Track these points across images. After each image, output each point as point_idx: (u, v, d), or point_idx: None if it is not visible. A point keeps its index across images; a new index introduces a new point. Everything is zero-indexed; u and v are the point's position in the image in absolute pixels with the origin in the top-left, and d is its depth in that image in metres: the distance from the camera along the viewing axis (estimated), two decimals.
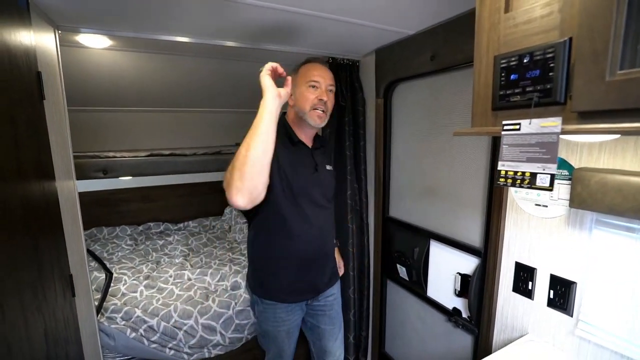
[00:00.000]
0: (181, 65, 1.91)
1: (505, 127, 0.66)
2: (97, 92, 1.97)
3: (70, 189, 1.30)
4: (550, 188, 0.59)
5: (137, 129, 2.41)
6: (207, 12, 1.20)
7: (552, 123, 0.57)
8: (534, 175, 0.61)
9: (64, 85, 1.28)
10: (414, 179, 1.65)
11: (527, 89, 0.64)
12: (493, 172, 1.20)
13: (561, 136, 0.60)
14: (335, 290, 1.43)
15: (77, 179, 1.59)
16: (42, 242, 0.97)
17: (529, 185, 0.62)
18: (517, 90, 0.66)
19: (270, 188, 1.05)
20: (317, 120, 1.20)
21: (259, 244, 1.24)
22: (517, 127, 0.64)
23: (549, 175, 0.59)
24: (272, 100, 1.02)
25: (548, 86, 0.60)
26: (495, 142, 1.18)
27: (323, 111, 1.20)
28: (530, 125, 0.62)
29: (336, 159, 1.86)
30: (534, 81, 0.63)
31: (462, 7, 1.20)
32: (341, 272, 1.56)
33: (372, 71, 1.78)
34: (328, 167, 1.33)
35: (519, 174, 0.64)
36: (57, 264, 1.07)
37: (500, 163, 0.67)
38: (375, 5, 1.17)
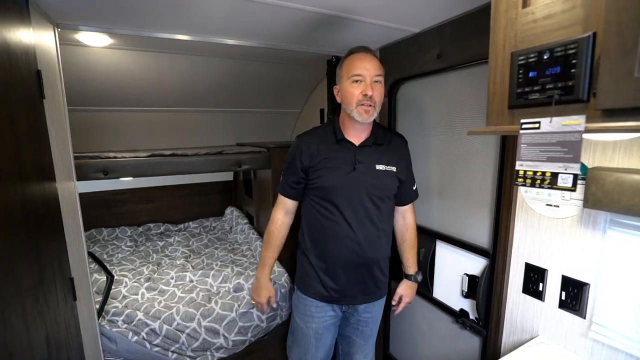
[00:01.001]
0: (183, 64, 1.88)
1: (524, 126, 0.64)
2: (97, 92, 1.94)
3: (70, 190, 1.27)
4: (573, 188, 0.57)
5: (138, 129, 2.38)
6: (209, 9, 1.18)
7: (576, 121, 0.55)
8: (555, 175, 0.59)
9: (64, 84, 1.26)
10: (420, 179, 1.62)
11: (547, 87, 0.62)
12: (502, 172, 1.18)
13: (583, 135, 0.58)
14: (375, 308, 1.34)
15: (78, 179, 1.56)
16: (43, 245, 0.95)
17: (549, 186, 0.60)
18: (536, 88, 0.64)
19: (305, 186, 1.22)
20: (365, 115, 1.13)
21: (300, 233, 1.32)
22: (537, 125, 0.62)
23: (572, 175, 0.57)
24: (258, 289, 1.34)
25: (570, 83, 0.58)
26: (505, 142, 1.16)
27: (370, 105, 1.12)
28: (550, 124, 0.60)
29: None
30: (554, 78, 0.61)
31: (470, 5, 1.18)
32: (398, 308, 1.39)
33: None
34: (380, 167, 1.20)
35: (538, 174, 0.62)
36: (59, 267, 1.04)
37: (518, 163, 0.65)
38: (381, 3, 1.15)
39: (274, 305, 1.36)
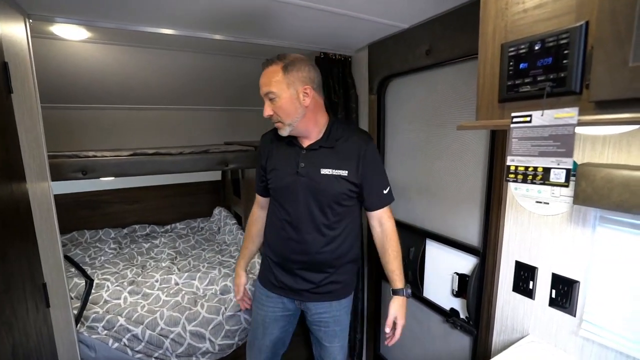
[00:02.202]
0: (166, 60, 1.82)
1: (515, 120, 0.62)
2: (75, 88, 1.87)
3: (44, 190, 1.21)
4: (566, 184, 0.55)
5: (120, 128, 2.30)
6: (193, 3, 1.13)
7: (568, 114, 0.53)
8: (547, 171, 0.57)
9: (38, 79, 1.19)
10: (409, 177, 1.61)
11: (539, 78, 0.60)
12: (492, 168, 1.17)
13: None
14: (334, 309, 1.25)
15: (54, 179, 1.49)
16: (11, 251, 0.89)
17: (542, 182, 0.58)
18: (527, 80, 0.61)
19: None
20: (279, 130, 1.13)
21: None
22: (528, 119, 0.59)
23: (565, 170, 0.54)
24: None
25: (562, 75, 0.56)
26: (495, 137, 1.14)
27: (278, 122, 1.10)
28: (542, 117, 0.57)
29: None
30: (545, 70, 0.59)
31: None
32: (394, 336, 1.23)
33: (365, 67, 1.73)
34: (326, 171, 1.12)
35: (530, 169, 0.60)
36: (28, 273, 0.98)
37: (509, 158, 0.63)
38: None
39: (241, 294, 1.39)
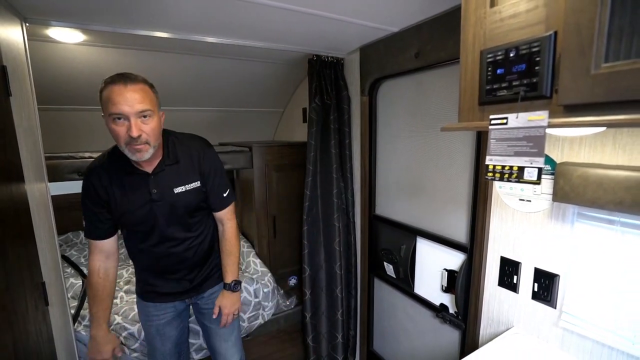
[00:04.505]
0: (160, 62, 1.84)
1: (493, 122, 0.66)
2: (72, 91, 1.88)
3: (42, 191, 1.23)
4: (537, 182, 0.59)
5: None
6: (187, 6, 1.16)
7: (539, 117, 0.57)
8: (521, 169, 0.61)
9: (35, 82, 1.21)
10: (400, 177, 1.65)
11: (514, 83, 0.64)
12: (478, 168, 1.21)
13: (547, 130, 0.60)
14: (217, 290, 1.34)
15: (50, 181, 1.50)
16: (11, 250, 0.91)
17: (516, 179, 0.62)
18: (503, 85, 0.66)
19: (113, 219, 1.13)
20: (138, 154, 1.00)
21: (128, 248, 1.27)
22: (505, 121, 0.64)
23: (537, 169, 0.59)
24: (97, 346, 1.14)
25: (534, 80, 0.60)
26: (480, 138, 1.19)
27: (145, 143, 0.99)
28: (517, 119, 0.62)
29: (322, 158, 1.85)
30: (520, 75, 0.63)
31: (447, 4, 1.21)
32: (221, 320, 1.30)
33: (357, 69, 1.77)
34: (179, 189, 1.13)
35: (506, 168, 0.64)
36: (28, 272, 1.00)
37: (487, 158, 0.67)
38: (359, 3, 1.16)
39: (120, 354, 1.21)
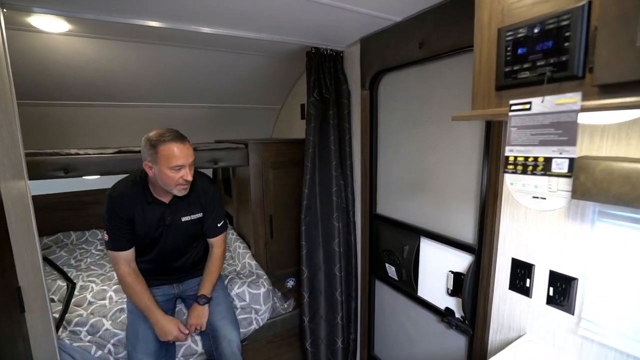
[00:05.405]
0: (153, 54, 1.76)
1: (513, 108, 0.58)
2: (57, 85, 1.79)
3: (20, 189, 1.14)
4: (569, 174, 0.51)
5: (104, 126, 2.22)
6: None
7: (570, 100, 0.50)
8: (548, 161, 0.54)
9: (16, 75, 1.13)
10: (403, 174, 1.57)
11: (538, 63, 0.56)
12: (488, 163, 1.14)
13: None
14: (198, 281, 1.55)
15: (32, 178, 1.42)
16: None
17: (543, 172, 0.54)
18: (525, 66, 0.58)
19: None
20: (183, 191, 1.31)
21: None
22: (527, 106, 0.56)
23: (567, 160, 0.51)
24: (163, 328, 1.35)
25: (563, 58, 0.53)
26: (490, 130, 1.11)
27: (187, 182, 1.29)
28: (542, 104, 0.54)
29: (320, 154, 1.77)
30: (546, 54, 0.55)
31: None
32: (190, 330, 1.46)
33: (357, 62, 1.70)
34: (186, 218, 1.41)
35: (530, 159, 0.56)
36: (1, 277, 0.92)
37: (508, 148, 0.60)
38: None
39: (186, 332, 1.41)
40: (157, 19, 1.33)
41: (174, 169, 1.23)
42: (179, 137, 1.26)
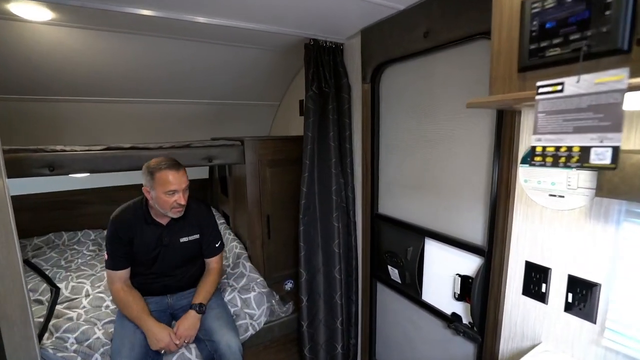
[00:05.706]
0: (145, 47, 1.67)
1: (541, 90, 0.50)
2: (41, 78, 1.70)
3: None
4: (612, 166, 0.43)
5: (94, 123, 2.14)
6: None
7: (615, 77, 0.42)
8: (586, 150, 0.46)
9: None
10: (406, 171, 1.49)
11: (571, 37, 0.48)
12: (500, 158, 1.06)
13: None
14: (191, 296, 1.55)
15: (15, 176, 1.35)
16: None
17: (578, 164, 0.46)
18: (556, 41, 0.50)
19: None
20: (178, 213, 1.40)
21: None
22: (559, 87, 0.48)
23: (611, 149, 0.43)
24: (154, 335, 1.34)
25: (603, 29, 0.45)
26: (502, 122, 1.03)
27: (183, 206, 1.39)
28: (578, 84, 0.46)
29: (319, 151, 1.69)
30: (580, 26, 0.47)
31: None
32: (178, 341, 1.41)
33: (358, 54, 1.62)
34: (184, 239, 1.48)
35: (562, 149, 0.48)
36: None
37: (535, 137, 0.51)
38: None
39: (177, 341, 1.38)
40: (149, 7, 1.25)
41: (169, 194, 1.34)
42: (174, 166, 1.37)
